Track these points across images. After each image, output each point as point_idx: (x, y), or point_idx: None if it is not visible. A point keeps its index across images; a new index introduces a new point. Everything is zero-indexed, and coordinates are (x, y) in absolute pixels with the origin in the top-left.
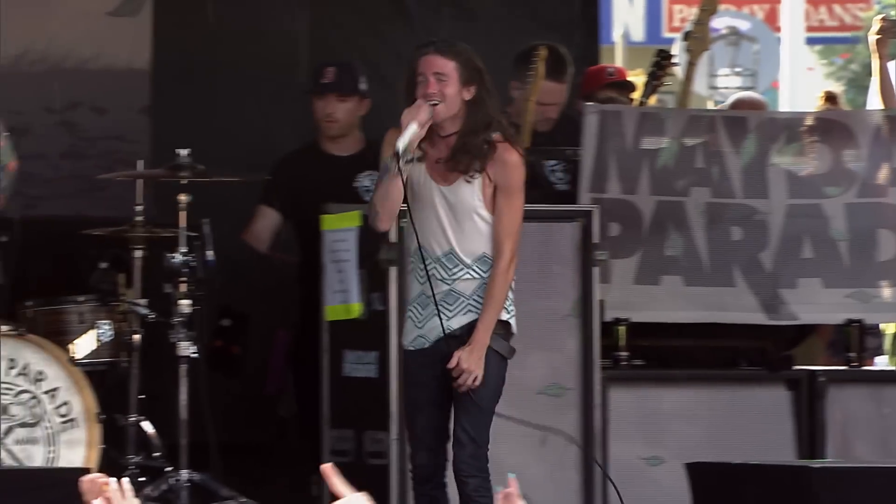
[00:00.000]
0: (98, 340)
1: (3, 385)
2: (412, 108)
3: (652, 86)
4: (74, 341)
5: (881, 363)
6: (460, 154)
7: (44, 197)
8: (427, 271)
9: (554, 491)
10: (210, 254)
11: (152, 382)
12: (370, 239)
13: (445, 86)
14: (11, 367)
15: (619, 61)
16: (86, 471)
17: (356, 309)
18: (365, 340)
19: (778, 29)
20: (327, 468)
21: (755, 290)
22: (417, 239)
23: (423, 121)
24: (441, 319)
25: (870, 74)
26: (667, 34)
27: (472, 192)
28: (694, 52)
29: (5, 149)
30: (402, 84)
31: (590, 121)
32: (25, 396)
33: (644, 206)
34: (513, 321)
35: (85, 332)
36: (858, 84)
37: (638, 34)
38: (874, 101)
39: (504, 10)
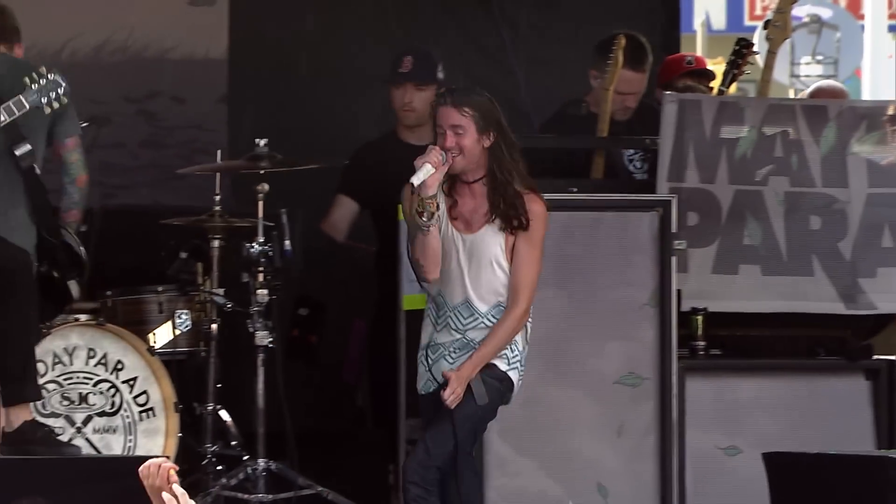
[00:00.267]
0: (176, 330)
1: (83, 374)
2: (424, 153)
3: (732, 74)
4: (153, 331)
5: None
6: (502, 206)
7: (123, 186)
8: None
9: (630, 481)
10: (288, 243)
11: (230, 372)
12: None
13: (462, 138)
14: (91, 357)
15: (699, 50)
16: (163, 459)
17: None
18: None
19: (861, 16)
20: None
21: (834, 280)
22: (440, 284)
23: (435, 162)
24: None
25: None
26: (749, 22)
27: (495, 241)
28: (774, 41)
29: (78, 163)
30: (479, 71)
31: (668, 110)
32: (104, 386)
33: (722, 195)
34: (515, 377)
35: (163, 321)
36: None
37: (719, 22)
38: None
39: None
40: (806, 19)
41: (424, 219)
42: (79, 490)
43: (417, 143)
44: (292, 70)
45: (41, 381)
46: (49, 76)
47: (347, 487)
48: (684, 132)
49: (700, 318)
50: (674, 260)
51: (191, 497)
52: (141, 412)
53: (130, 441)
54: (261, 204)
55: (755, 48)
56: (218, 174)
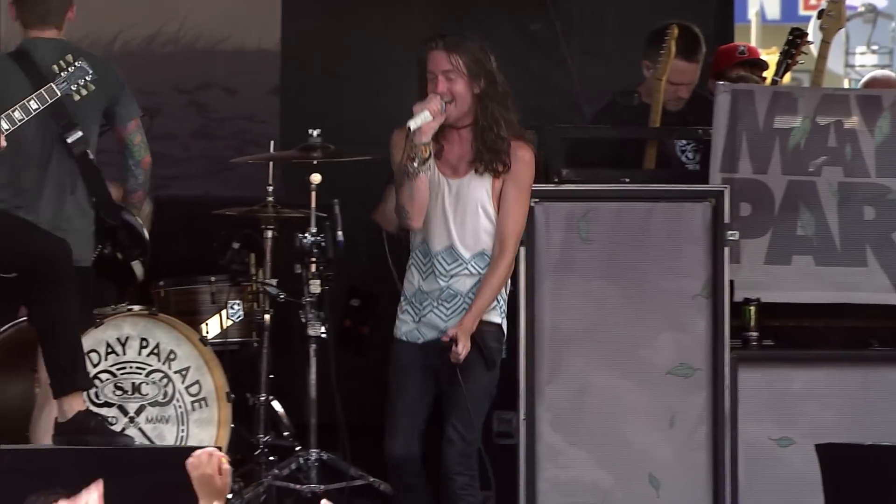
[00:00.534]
0: (229, 320)
1: (135, 364)
2: (425, 100)
3: (786, 64)
4: (206, 321)
5: None
6: (485, 153)
7: (174, 177)
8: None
9: (682, 472)
10: (340, 234)
11: (282, 362)
12: None
13: (454, 83)
14: (143, 347)
15: (754, 40)
16: (216, 449)
17: None
18: None
19: None
20: None
21: (887, 270)
22: (425, 232)
23: (434, 111)
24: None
25: None
26: (803, 12)
27: (482, 187)
28: (829, 30)
29: (140, 144)
30: (532, 63)
31: (721, 100)
32: (157, 376)
33: (775, 185)
34: (504, 324)
35: (216, 311)
36: None
37: (774, 12)
38: None
39: None
40: (861, 9)
41: (415, 164)
42: (131, 480)
43: None
44: (344, 62)
45: (95, 370)
46: (76, 64)
47: None
48: (737, 122)
49: (753, 308)
50: (726, 250)
51: (243, 487)
52: (193, 402)
53: (183, 431)
54: (313, 194)
55: (809, 38)
56: (271, 165)
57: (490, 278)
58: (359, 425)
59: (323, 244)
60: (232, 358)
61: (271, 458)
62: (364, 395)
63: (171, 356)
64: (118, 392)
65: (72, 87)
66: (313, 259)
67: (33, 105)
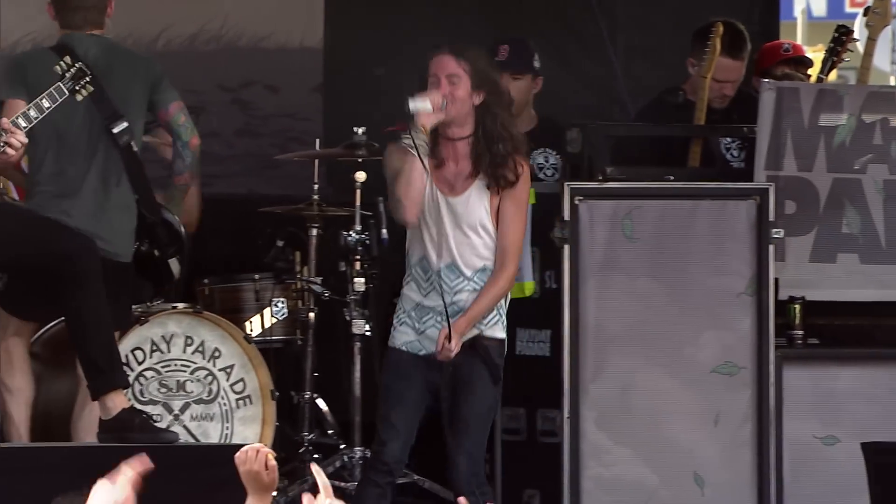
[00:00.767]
0: (273, 318)
1: (180, 362)
2: (428, 92)
3: (831, 62)
4: (250, 319)
5: None
6: (490, 166)
7: (219, 175)
8: (440, 286)
9: (727, 470)
10: (385, 232)
11: (326, 360)
12: (544, 217)
13: (456, 88)
14: (188, 345)
15: (800, 37)
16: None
17: (529, 287)
18: (538, 319)
19: None
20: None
21: None
22: (424, 250)
23: (435, 103)
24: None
25: None
26: (849, 9)
27: (481, 204)
28: (875, 27)
29: (186, 125)
30: (577, 61)
31: (766, 98)
32: (202, 373)
33: (820, 183)
34: (506, 339)
35: (260, 309)
36: None
37: (820, 9)
38: None
39: None
40: None
41: (411, 144)
42: (175, 477)
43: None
44: (388, 59)
45: (140, 368)
46: (77, 65)
47: (443, 476)
48: (782, 120)
49: (798, 306)
50: (771, 248)
51: (288, 485)
52: (238, 400)
53: (227, 429)
54: (358, 193)
55: (855, 35)
56: (316, 162)
57: (490, 288)
58: None
59: (367, 242)
60: (276, 356)
61: (315, 455)
62: None
63: (216, 354)
64: (163, 390)
65: (76, 87)
66: (358, 257)
67: (45, 104)
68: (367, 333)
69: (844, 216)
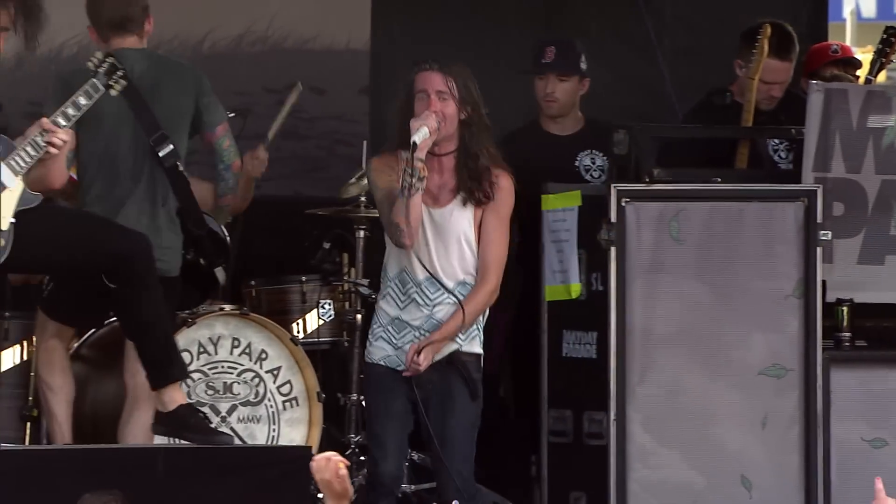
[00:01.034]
0: (320, 320)
1: (227, 364)
2: (421, 116)
3: (880, 63)
4: (296, 320)
5: None
6: (469, 182)
7: (265, 177)
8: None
9: (774, 473)
10: None
11: None
12: (591, 219)
13: (446, 105)
14: (235, 347)
15: (849, 38)
16: (307, 449)
17: (576, 289)
18: (584, 321)
19: None
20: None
21: None
22: (405, 262)
23: (432, 127)
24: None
25: None
26: None
27: (464, 217)
28: None
29: (230, 149)
30: (624, 62)
31: (814, 99)
32: (248, 375)
33: (869, 185)
34: (482, 354)
35: (307, 311)
36: None
37: (869, 10)
38: None
39: None
40: None
41: (414, 180)
42: (226, 479)
43: (560, 133)
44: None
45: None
46: (108, 60)
47: (490, 478)
48: (830, 121)
49: (845, 309)
50: (819, 250)
51: None
52: (284, 402)
53: (274, 431)
54: None
55: None
56: (363, 164)
57: (468, 303)
58: None
59: None
60: (323, 358)
61: (362, 457)
62: None
63: (263, 356)
64: (210, 391)
65: (109, 82)
66: None
67: (82, 101)
68: None
69: (893, 218)
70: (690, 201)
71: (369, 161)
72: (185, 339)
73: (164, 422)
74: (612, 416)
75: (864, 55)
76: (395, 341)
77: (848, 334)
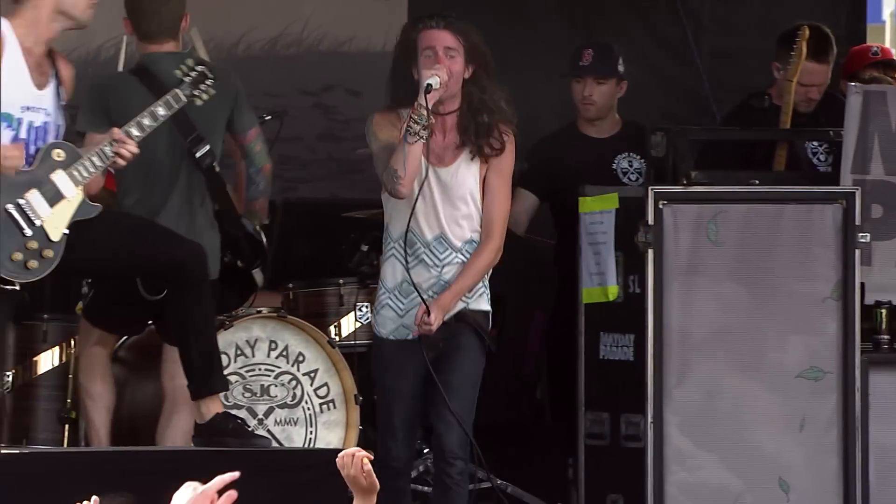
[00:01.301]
0: (357, 322)
1: (264, 366)
2: (433, 68)
3: None
4: (334, 323)
5: None
6: (475, 136)
7: (301, 180)
8: (406, 259)
9: (812, 476)
10: None
11: None
12: (628, 221)
13: (454, 62)
14: (272, 349)
15: (888, 40)
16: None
17: (613, 291)
18: (621, 323)
19: None
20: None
21: None
22: (409, 222)
23: (444, 80)
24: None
25: None
26: None
27: (471, 174)
28: None
29: (262, 152)
30: (661, 65)
31: (853, 101)
32: (286, 378)
33: None
34: (490, 311)
35: (344, 314)
36: None
37: None
38: None
39: None
40: None
41: (419, 127)
42: (265, 481)
43: (597, 136)
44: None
45: (224, 372)
46: (197, 68)
47: (526, 480)
48: (869, 124)
49: (884, 311)
50: (857, 253)
51: None
52: (321, 404)
53: (311, 433)
54: None
55: None
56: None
57: (475, 261)
58: (485, 425)
59: None
60: (360, 360)
61: None
62: (491, 396)
63: (300, 358)
64: (247, 394)
65: (194, 92)
66: None
67: (161, 111)
68: None
69: None
70: (728, 203)
71: (370, 115)
72: (223, 341)
73: (203, 432)
74: (650, 419)
75: None
76: (401, 307)
77: (886, 337)
